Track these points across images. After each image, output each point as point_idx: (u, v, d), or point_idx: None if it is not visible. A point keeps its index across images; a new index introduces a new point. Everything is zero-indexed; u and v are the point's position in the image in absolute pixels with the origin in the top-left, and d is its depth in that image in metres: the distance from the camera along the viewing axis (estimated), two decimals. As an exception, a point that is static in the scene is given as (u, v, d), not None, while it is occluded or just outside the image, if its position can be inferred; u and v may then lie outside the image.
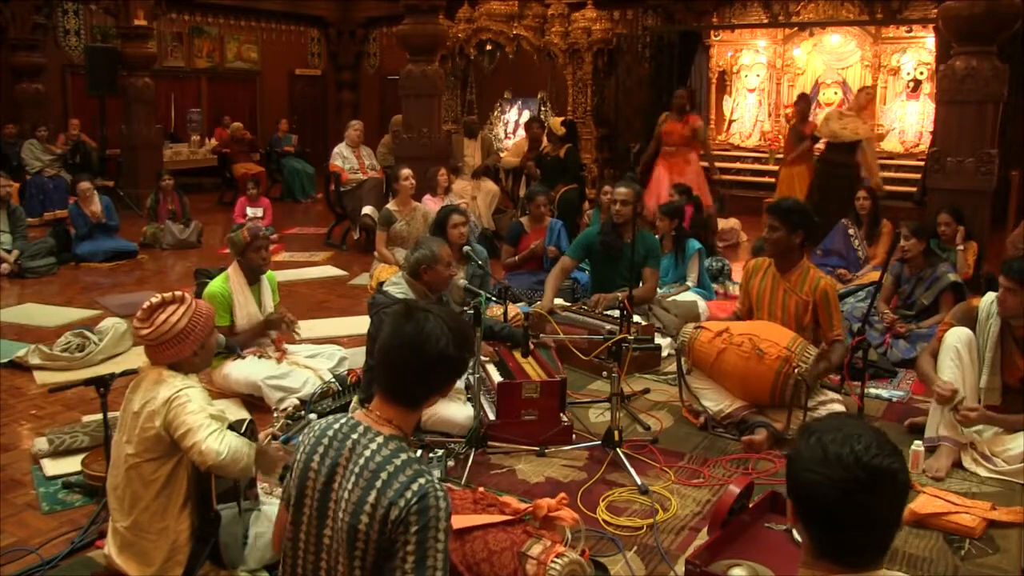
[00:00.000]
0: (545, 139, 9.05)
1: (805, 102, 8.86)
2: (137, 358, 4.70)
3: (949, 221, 5.86)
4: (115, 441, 2.61)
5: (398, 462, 1.80)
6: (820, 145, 8.34)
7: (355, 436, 1.87)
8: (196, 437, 2.40)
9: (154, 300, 2.56)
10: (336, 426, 1.92)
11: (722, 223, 8.85)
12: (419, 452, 3.39)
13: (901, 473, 1.41)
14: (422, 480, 1.77)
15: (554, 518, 2.56)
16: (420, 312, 1.92)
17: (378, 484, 1.77)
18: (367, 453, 1.83)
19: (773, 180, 9.54)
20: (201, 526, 2.53)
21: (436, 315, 1.92)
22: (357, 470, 1.82)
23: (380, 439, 1.85)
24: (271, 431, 2.77)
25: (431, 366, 1.89)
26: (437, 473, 3.21)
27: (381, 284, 4.10)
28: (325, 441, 1.90)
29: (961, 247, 5.80)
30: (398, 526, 1.74)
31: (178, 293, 2.61)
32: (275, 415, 3.62)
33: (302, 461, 1.91)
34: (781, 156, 9.54)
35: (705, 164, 8.79)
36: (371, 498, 1.77)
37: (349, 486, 1.81)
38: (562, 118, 9.24)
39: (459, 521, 2.39)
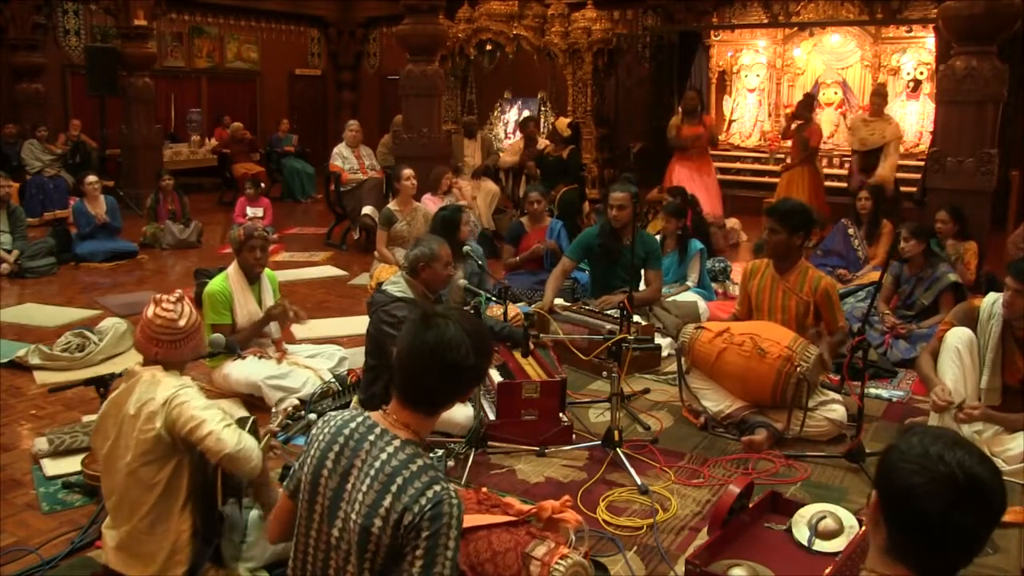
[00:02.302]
0: (545, 139, 9.05)
1: (808, 105, 8.84)
2: (136, 358, 4.71)
3: (947, 219, 5.85)
4: (101, 447, 2.56)
5: (414, 467, 1.80)
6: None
7: (371, 438, 1.87)
8: (211, 427, 2.39)
9: (167, 296, 2.58)
10: (352, 424, 1.91)
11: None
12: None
13: (998, 494, 1.35)
14: (437, 487, 1.77)
15: (558, 520, 2.56)
16: (440, 319, 1.90)
17: (393, 488, 1.77)
18: (383, 456, 1.83)
19: (773, 180, 9.55)
20: (205, 526, 2.52)
21: (456, 322, 1.90)
22: (373, 472, 1.81)
23: (397, 442, 1.85)
24: (271, 428, 2.77)
25: (452, 374, 1.88)
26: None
27: (381, 284, 4.10)
28: (341, 439, 1.89)
29: (953, 255, 5.73)
30: (410, 531, 1.74)
31: (178, 292, 2.64)
32: (273, 412, 3.62)
33: (316, 457, 1.91)
34: (781, 157, 9.51)
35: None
36: (386, 502, 1.77)
37: (364, 488, 1.81)
38: (568, 119, 9.26)
39: (463, 521, 2.39)
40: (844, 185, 8.79)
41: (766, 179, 10.61)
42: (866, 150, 8.09)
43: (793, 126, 8.68)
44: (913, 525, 1.36)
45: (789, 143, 9.08)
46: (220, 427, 2.40)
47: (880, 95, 8.41)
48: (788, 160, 8.90)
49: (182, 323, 2.55)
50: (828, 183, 9.40)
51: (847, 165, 9.22)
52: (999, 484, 1.35)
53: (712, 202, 8.55)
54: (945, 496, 1.32)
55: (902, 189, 9.63)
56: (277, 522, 2.12)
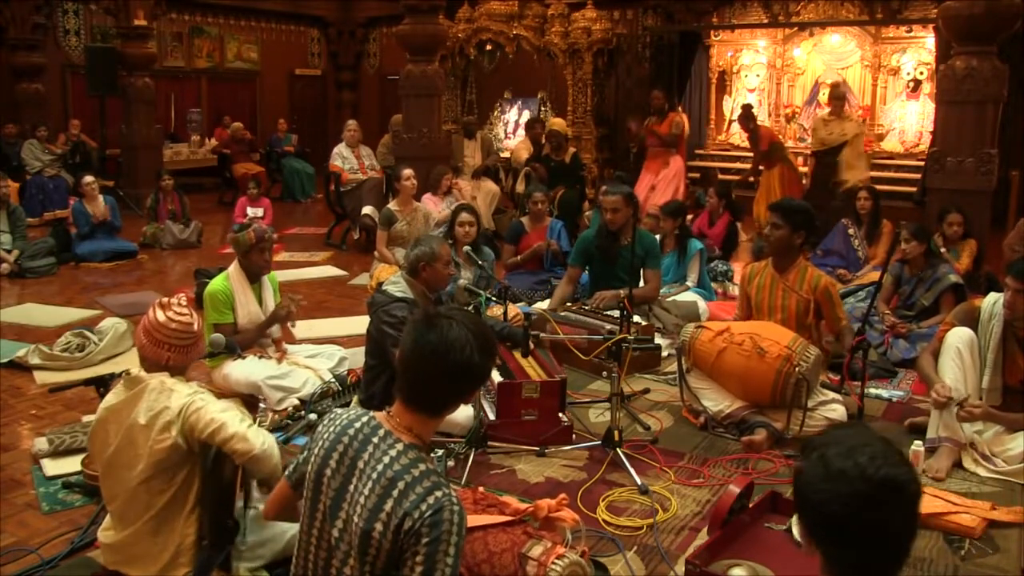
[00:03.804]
0: (543, 140, 9.05)
1: (747, 116, 8.99)
2: (136, 359, 4.70)
3: (961, 222, 5.82)
4: (100, 452, 2.53)
5: (416, 472, 1.79)
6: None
7: (375, 440, 1.86)
8: (236, 428, 2.38)
9: (174, 300, 2.58)
10: (357, 425, 1.90)
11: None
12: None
13: (910, 483, 1.35)
14: (439, 493, 1.76)
15: (555, 519, 2.56)
16: (443, 319, 1.88)
17: (395, 493, 1.76)
18: (386, 460, 1.82)
19: (751, 181, 9.58)
20: (217, 532, 2.48)
21: (459, 322, 1.87)
22: (375, 476, 1.80)
23: (400, 446, 1.84)
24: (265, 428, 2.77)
25: (456, 375, 1.86)
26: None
27: (381, 284, 4.10)
28: (345, 439, 1.88)
29: (944, 249, 5.73)
30: (411, 536, 1.73)
31: (180, 296, 2.65)
32: (259, 415, 3.61)
33: (320, 456, 1.90)
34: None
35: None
36: (387, 506, 1.76)
37: (366, 491, 1.80)
38: (560, 120, 9.28)
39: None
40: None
41: (750, 178, 10.60)
42: (825, 149, 8.16)
43: (746, 141, 8.83)
44: (836, 541, 1.39)
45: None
46: (244, 428, 2.39)
47: (837, 97, 8.44)
48: (755, 171, 9.01)
49: (196, 327, 2.57)
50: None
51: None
52: (906, 473, 1.36)
53: (659, 197, 8.47)
54: (859, 512, 1.34)
55: (900, 189, 9.65)
56: (274, 504, 2.15)
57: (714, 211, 7.45)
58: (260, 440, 2.40)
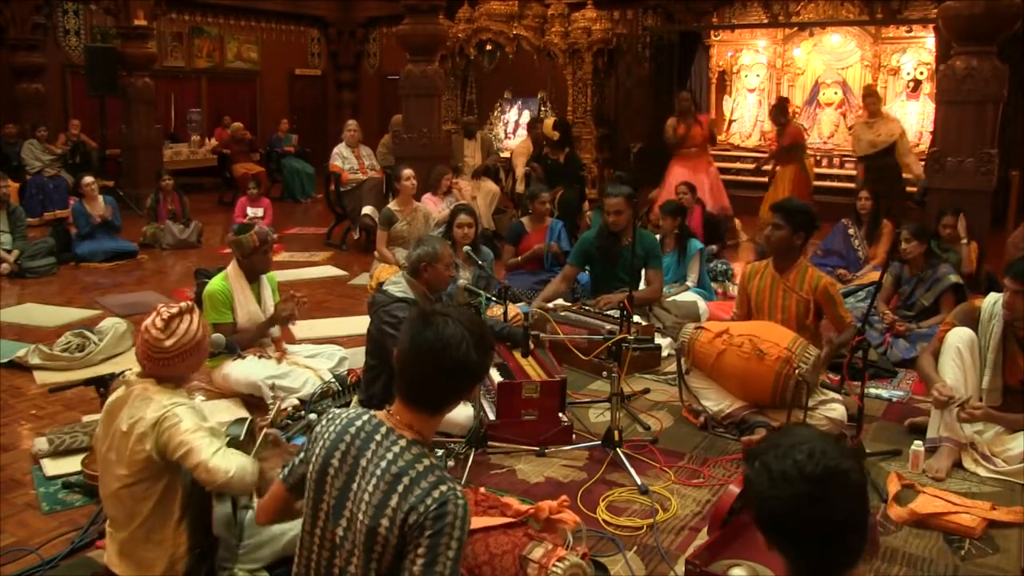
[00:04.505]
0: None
1: (781, 109, 8.92)
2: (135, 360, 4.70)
3: (953, 223, 5.85)
4: (100, 449, 2.51)
5: (420, 467, 1.80)
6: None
7: (378, 437, 1.86)
8: (201, 456, 2.32)
9: (165, 311, 2.47)
10: (359, 423, 1.90)
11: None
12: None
13: (853, 472, 1.36)
14: (444, 487, 1.77)
15: (556, 520, 2.56)
16: (439, 317, 1.88)
17: (400, 488, 1.77)
18: (389, 456, 1.82)
19: (769, 180, 9.59)
20: (204, 541, 2.47)
21: (455, 319, 1.87)
22: (379, 472, 1.81)
23: (402, 442, 1.85)
24: (265, 421, 2.75)
25: (453, 373, 1.86)
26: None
27: (381, 284, 4.10)
28: (347, 438, 1.88)
29: (964, 240, 5.82)
30: (415, 529, 1.74)
31: (185, 304, 2.54)
32: (269, 404, 3.59)
33: (322, 456, 1.90)
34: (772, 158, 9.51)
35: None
36: (392, 502, 1.77)
37: (370, 488, 1.81)
38: (553, 119, 9.28)
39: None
40: (843, 185, 8.78)
41: (766, 179, 10.61)
42: (876, 151, 8.05)
43: (772, 134, 8.77)
44: (790, 543, 1.40)
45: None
46: (209, 455, 2.33)
47: (873, 95, 8.36)
48: (769, 161, 8.98)
49: (168, 343, 2.40)
50: (828, 183, 9.42)
51: (848, 165, 9.20)
52: (847, 463, 1.37)
53: (716, 196, 8.61)
54: (797, 509, 1.35)
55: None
56: (269, 508, 2.13)
57: (688, 206, 7.42)
58: (226, 467, 2.33)
